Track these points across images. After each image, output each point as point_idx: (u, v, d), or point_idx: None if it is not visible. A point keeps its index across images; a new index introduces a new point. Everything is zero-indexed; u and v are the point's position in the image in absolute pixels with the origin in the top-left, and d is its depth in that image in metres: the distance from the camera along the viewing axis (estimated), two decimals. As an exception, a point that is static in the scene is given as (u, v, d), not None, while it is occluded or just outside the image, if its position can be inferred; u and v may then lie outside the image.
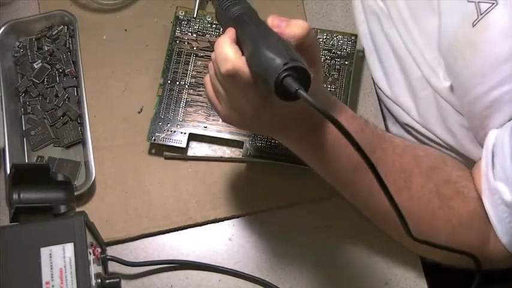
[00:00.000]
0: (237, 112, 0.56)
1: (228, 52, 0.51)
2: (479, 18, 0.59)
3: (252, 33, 0.51)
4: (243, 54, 0.52)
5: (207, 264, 0.68)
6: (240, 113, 0.55)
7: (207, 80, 0.57)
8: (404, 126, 0.74)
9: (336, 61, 0.73)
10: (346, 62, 0.73)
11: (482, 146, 0.62)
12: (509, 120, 0.59)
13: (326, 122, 0.56)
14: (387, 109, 0.76)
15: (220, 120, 0.71)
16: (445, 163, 0.63)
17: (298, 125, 0.57)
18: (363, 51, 0.76)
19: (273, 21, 0.52)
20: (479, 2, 0.59)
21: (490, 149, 0.59)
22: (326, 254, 0.69)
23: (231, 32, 0.53)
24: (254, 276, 0.67)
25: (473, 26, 0.59)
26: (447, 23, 0.63)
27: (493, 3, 0.58)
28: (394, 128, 0.76)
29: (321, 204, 0.70)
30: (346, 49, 0.74)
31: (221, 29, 0.74)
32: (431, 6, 0.66)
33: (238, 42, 0.53)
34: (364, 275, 0.68)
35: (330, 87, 0.72)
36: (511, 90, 0.57)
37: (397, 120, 0.75)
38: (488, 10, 0.59)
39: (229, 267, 0.68)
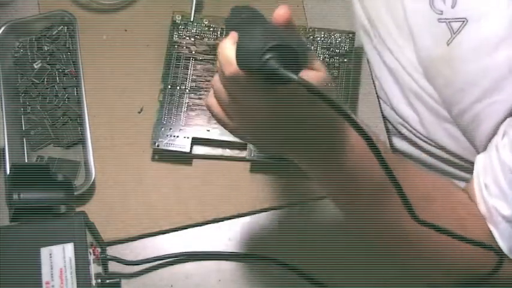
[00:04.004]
0: (245, 122, 0.52)
1: (229, 54, 0.49)
2: (453, 37, 0.61)
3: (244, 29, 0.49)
4: None
5: (204, 252, 0.68)
6: (248, 121, 0.52)
7: (211, 100, 0.53)
8: (407, 135, 0.74)
9: (335, 59, 0.73)
10: (345, 60, 0.73)
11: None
12: (492, 134, 0.60)
13: (343, 141, 0.52)
14: (389, 121, 0.75)
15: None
16: (457, 187, 0.63)
17: (307, 131, 0.53)
18: (361, 48, 0.76)
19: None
20: (450, 22, 0.61)
21: (478, 173, 0.59)
22: (327, 254, 0.69)
23: (232, 35, 0.51)
24: (255, 255, 0.68)
25: (448, 44, 0.61)
26: (421, 43, 0.65)
27: (463, 21, 0.60)
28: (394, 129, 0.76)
29: (322, 203, 0.70)
30: (344, 47, 0.74)
31: (219, 32, 0.74)
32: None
33: None
34: (366, 275, 0.68)
35: (330, 86, 0.72)
36: (491, 104, 0.59)
37: (399, 131, 0.74)
38: (460, 28, 0.60)
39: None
